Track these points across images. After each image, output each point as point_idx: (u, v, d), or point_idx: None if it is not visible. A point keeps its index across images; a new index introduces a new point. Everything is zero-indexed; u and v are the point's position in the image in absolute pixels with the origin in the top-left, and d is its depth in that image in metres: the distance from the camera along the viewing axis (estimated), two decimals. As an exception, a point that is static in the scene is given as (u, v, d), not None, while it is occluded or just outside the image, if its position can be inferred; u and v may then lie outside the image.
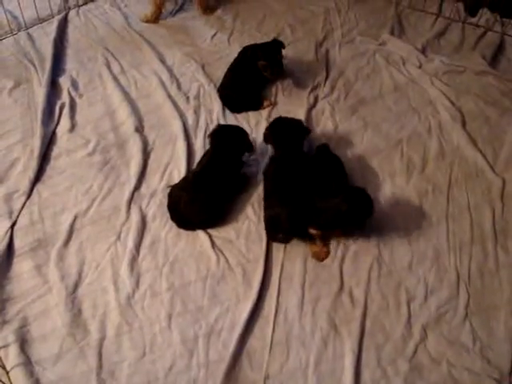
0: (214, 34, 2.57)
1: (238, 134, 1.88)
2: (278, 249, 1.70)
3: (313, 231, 1.68)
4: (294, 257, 1.68)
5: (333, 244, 1.72)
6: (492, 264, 1.68)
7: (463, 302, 1.59)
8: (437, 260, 1.69)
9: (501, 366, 1.45)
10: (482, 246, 1.73)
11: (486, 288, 1.62)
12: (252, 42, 2.36)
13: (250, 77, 2.19)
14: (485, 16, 2.70)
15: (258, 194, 1.85)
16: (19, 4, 2.52)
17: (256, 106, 2.16)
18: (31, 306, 1.55)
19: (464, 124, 2.13)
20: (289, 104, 2.18)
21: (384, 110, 2.19)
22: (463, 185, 1.91)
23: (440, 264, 1.68)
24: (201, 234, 1.72)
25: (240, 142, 1.86)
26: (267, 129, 1.93)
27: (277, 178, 1.77)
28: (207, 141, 1.92)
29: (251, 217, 1.78)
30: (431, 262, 1.69)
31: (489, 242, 1.74)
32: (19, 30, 2.52)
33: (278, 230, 1.69)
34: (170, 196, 1.77)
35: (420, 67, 2.39)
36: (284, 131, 1.87)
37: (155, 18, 2.62)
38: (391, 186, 1.89)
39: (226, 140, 1.84)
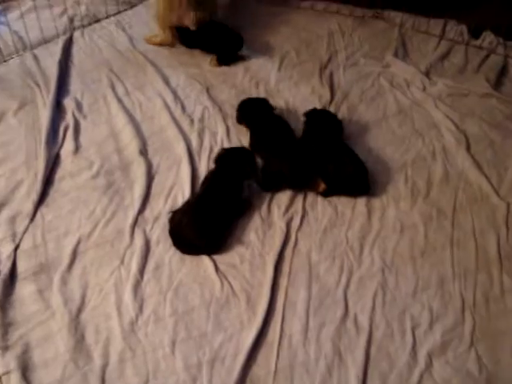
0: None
1: (244, 157, 1.88)
2: (282, 274, 1.69)
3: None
4: (298, 283, 1.67)
5: (337, 270, 1.71)
6: (497, 290, 1.67)
7: (469, 329, 1.57)
8: (441, 286, 1.68)
9: (507, 395, 1.43)
10: (487, 272, 1.72)
11: (491, 314, 1.61)
12: (256, 65, 2.41)
13: None
14: (488, 38, 2.71)
15: (260, 218, 1.84)
16: (25, 25, 2.54)
17: None
18: (34, 331, 1.54)
19: (468, 147, 2.12)
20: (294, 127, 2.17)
21: (388, 133, 2.19)
22: (468, 209, 1.90)
23: (445, 290, 1.67)
24: (205, 258, 1.71)
25: (245, 166, 1.86)
26: (237, 110, 2.15)
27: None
28: (212, 164, 1.92)
29: (255, 242, 1.77)
30: (436, 288, 1.67)
31: (494, 267, 1.72)
32: (25, 51, 2.53)
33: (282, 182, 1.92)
34: (172, 221, 1.76)
35: (424, 90, 2.40)
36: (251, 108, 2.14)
37: (159, 45, 2.62)
38: (395, 210, 1.89)
39: (231, 164, 1.85)
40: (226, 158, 1.87)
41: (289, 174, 1.89)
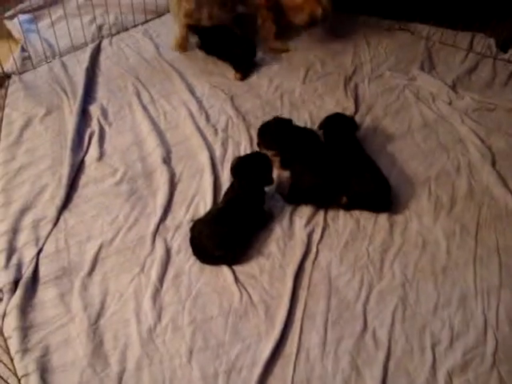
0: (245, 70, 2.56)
1: (259, 162, 1.88)
2: (301, 286, 1.68)
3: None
4: (317, 295, 1.66)
5: (357, 283, 1.70)
6: (521, 309, 1.64)
7: (491, 349, 1.54)
8: (463, 303, 1.65)
9: (529, 418, 1.40)
10: (511, 290, 1.69)
11: (514, 334, 1.58)
12: (281, 76, 2.43)
13: None
14: (517, 52, 2.68)
15: (282, 230, 1.84)
16: (55, 33, 2.58)
17: None
18: (53, 334, 1.56)
19: (494, 163, 2.09)
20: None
21: (413, 147, 2.16)
22: (492, 226, 1.87)
23: (466, 308, 1.64)
24: (224, 268, 1.72)
25: (262, 172, 1.87)
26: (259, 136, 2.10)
27: None
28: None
29: (275, 253, 1.76)
30: (457, 305, 1.65)
31: (518, 285, 1.70)
32: (54, 58, 2.57)
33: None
34: (193, 230, 1.77)
35: (450, 104, 2.37)
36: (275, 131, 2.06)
37: (180, 47, 2.62)
38: (418, 225, 1.87)
39: (248, 172, 1.85)
40: (242, 167, 1.87)
41: (321, 192, 1.89)
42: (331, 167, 1.93)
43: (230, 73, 2.52)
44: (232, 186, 1.86)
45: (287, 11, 2.50)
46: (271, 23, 2.62)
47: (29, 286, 1.66)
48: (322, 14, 2.23)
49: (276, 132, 2.05)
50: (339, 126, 2.09)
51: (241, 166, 1.87)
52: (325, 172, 1.91)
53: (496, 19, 2.66)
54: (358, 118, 2.28)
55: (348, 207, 1.90)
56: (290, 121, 2.10)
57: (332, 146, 2.03)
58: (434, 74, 2.56)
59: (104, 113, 2.28)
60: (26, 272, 1.69)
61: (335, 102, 2.37)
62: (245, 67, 2.52)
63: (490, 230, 1.86)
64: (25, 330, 1.56)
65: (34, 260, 1.73)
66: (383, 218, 1.89)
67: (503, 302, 1.65)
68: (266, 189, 1.88)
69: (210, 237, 1.72)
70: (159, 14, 2.91)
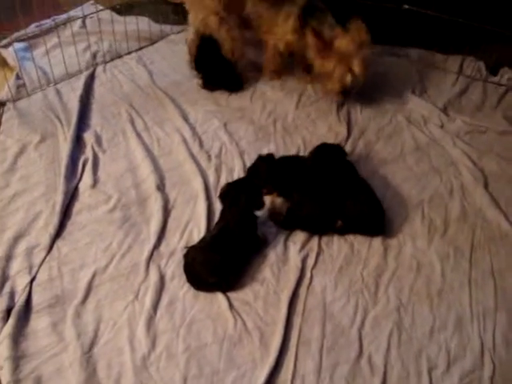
0: (237, 92, 2.59)
1: (248, 188, 1.88)
2: (295, 312, 1.67)
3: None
4: (312, 321, 1.65)
5: (352, 308, 1.69)
6: (518, 332, 1.63)
7: (488, 373, 1.53)
8: (459, 327, 1.65)
9: None
10: (507, 313, 1.68)
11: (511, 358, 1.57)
12: (274, 102, 2.45)
13: None
14: (506, 75, 2.71)
15: (276, 255, 1.83)
16: (49, 60, 2.60)
17: None
18: (46, 364, 1.54)
19: (486, 185, 2.11)
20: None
21: (405, 170, 2.18)
22: (486, 248, 1.88)
23: (463, 331, 1.64)
24: (218, 295, 1.70)
25: (251, 197, 1.86)
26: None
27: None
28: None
29: (269, 279, 1.76)
30: (453, 328, 1.64)
31: (514, 308, 1.69)
32: (48, 85, 2.59)
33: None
34: (187, 257, 1.77)
35: (442, 127, 2.40)
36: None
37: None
38: (412, 248, 1.87)
39: (236, 198, 1.84)
40: (230, 193, 1.87)
41: (318, 219, 1.90)
42: (327, 194, 1.93)
43: (223, 100, 2.54)
44: (223, 212, 1.86)
45: (319, 76, 2.45)
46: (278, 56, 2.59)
47: (21, 314, 1.64)
48: (353, 81, 2.12)
49: (266, 173, 2.00)
50: (328, 154, 2.07)
51: (228, 192, 1.88)
52: (322, 199, 1.91)
53: (485, 43, 2.71)
54: (350, 143, 2.30)
55: (342, 231, 1.90)
56: (271, 156, 2.06)
57: (324, 174, 2.02)
58: (425, 97, 2.59)
59: (98, 140, 2.28)
60: (19, 300, 1.67)
61: (328, 127, 2.39)
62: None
63: (484, 252, 1.86)
64: (17, 359, 1.53)
65: (27, 288, 1.71)
66: (377, 241, 1.89)
67: (499, 324, 1.65)
68: (259, 214, 1.89)
69: (203, 264, 1.71)
70: (153, 42, 2.94)
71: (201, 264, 1.72)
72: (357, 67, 2.29)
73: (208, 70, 2.57)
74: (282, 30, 2.41)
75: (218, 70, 2.56)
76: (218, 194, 1.99)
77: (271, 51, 2.57)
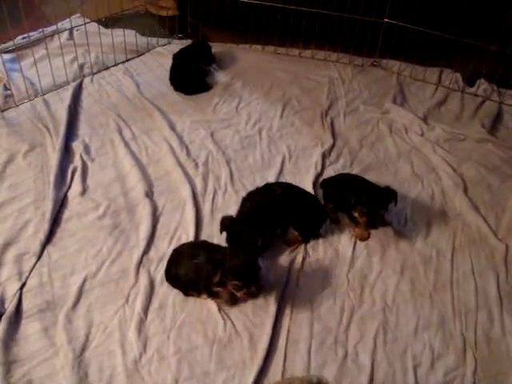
0: (223, 103, 2.65)
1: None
2: (284, 314, 1.71)
3: (357, 216, 1.92)
4: (300, 322, 1.69)
5: (338, 310, 1.73)
6: (498, 329, 1.69)
7: (471, 369, 1.59)
8: (442, 325, 1.70)
9: None
10: (488, 312, 1.74)
11: (493, 354, 1.63)
12: (259, 112, 2.53)
13: None
14: (482, 86, 2.81)
15: (263, 259, 1.86)
16: (37, 71, 2.62)
17: None
18: (37, 368, 1.55)
19: (466, 190, 2.18)
20: (296, 172, 2.24)
21: (388, 177, 2.24)
22: (467, 250, 1.94)
23: (446, 329, 1.69)
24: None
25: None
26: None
27: None
28: (215, 208, 1.98)
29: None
30: (437, 327, 1.70)
31: (494, 307, 1.75)
32: (36, 96, 2.61)
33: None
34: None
35: (422, 135, 2.47)
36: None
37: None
38: (395, 251, 1.93)
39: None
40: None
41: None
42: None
43: (210, 110, 2.59)
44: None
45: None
46: None
47: (12, 320, 1.65)
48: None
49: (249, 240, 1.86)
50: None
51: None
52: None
53: (461, 55, 2.79)
54: (335, 151, 2.36)
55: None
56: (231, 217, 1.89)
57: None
58: (406, 106, 2.67)
59: (86, 149, 2.31)
60: (9, 306, 1.69)
61: (313, 136, 2.44)
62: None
63: (464, 254, 1.93)
64: (8, 364, 1.55)
65: (17, 294, 1.73)
66: (361, 245, 1.94)
67: (480, 322, 1.71)
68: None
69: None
70: (139, 54, 2.99)
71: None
72: None
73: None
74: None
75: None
76: (205, 200, 2.04)
77: None
